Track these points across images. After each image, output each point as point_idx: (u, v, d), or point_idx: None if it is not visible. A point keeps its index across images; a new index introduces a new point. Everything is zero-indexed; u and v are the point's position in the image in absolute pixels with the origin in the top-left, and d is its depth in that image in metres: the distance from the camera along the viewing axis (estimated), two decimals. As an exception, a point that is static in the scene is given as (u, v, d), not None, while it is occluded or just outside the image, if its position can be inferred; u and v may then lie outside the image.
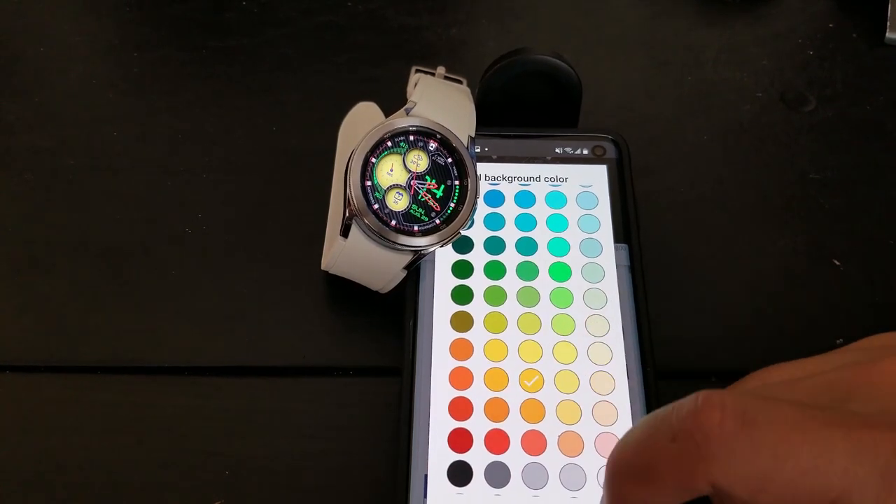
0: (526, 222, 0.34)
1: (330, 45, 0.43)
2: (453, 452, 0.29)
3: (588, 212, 0.34)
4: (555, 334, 0.31)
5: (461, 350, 0.31)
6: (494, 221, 0.34)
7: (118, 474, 0.31)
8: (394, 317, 0.33)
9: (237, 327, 0.34)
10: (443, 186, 0.33)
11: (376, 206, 0.32)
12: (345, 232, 0.32)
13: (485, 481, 0.28)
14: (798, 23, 0.44)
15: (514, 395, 0.30)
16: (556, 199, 0.35)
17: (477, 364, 0.31)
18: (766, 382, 0.25)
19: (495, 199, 0.35)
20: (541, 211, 0.34)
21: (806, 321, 0.34)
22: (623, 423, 0.29)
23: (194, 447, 0.31)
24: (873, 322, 0.34)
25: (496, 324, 0.32)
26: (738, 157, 0.39)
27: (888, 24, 0.43)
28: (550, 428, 0.29)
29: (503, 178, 0.35)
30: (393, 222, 0.32)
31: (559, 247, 0.33)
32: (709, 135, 0.40)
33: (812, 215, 0.37)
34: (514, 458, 0.29)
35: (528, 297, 0.32)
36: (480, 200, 0.34)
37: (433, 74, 0.35)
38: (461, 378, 0.30)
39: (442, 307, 0.32)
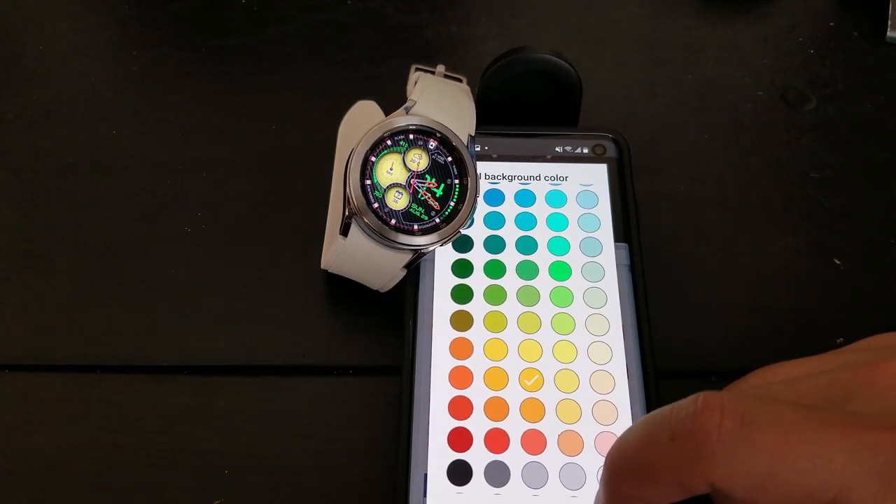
0: (526, 221, 0.34)
1: (329, 43, 0.43)
2: (453, 451, 0.29)
3: (588, 211, 0.34)
4: (555, 333, 0.31)
5: (461, 349, 0.31)
6: (494, 220, 0.34)
7: (118, 474, 0.31)
8: (393, 316, 0.33)
9: (237, 326, 0.34)
10: (443, 185, 0.33)
11: (376, 205, 0.32)
12: (344, 231, 0.32)
13: (485, 480, 0.28)
14: (799, 22, 0.44)
15: (513, 395, 0.30)
16: (556, 198, 0.35)
17: (477, 363, 0.31)
18: (767, 381, 0.25)
19: (495, 197, 0.35)
20: (541, 210, 0.34)
21: (806, 321, 0.34)
22: (623, 423, 0.29)
23: (194, 447, 0.31)
24: (873, 322, 0.34)
25: (496, 323, 0.32)
26: (738, 155, 0.39)
27: (889, 22, 0.43)
28: (550, 427, 0.29)
29: (503, 177, 0.35)
30: (393, 221, 0.32)
31: (559, 246, 0.33)
32: (709, 133, 0.40)
33: (812, 214, 0.37)
34: (514, 457, 0.29)
35: (528, 297, 0.32)
36: (480, 199, 0.34)
37: (433, 73, 0.35)
38: (461, 377, 0.30)
39: (442, 306, 0.32)
